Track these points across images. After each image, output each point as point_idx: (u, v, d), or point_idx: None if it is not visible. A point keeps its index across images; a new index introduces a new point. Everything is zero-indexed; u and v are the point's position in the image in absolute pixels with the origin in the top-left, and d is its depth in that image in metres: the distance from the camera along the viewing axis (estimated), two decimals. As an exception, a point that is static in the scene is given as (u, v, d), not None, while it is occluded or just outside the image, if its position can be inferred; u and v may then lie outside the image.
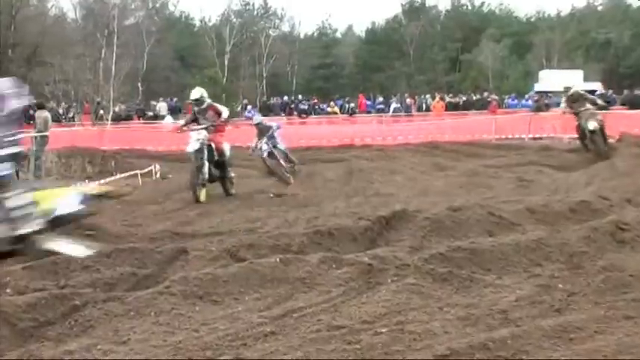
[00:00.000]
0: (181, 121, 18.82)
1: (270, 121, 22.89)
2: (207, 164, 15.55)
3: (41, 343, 5.50)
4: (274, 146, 20.24)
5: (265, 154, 20.03)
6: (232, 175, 16.58)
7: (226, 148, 16.23)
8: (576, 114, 21.47)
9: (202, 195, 15.37)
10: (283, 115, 42.86)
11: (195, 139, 15.64)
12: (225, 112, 16.40)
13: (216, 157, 15.86)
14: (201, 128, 15.70)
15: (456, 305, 6.08)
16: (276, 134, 20.63)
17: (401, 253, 7.81)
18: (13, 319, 5.70)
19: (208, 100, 16.55)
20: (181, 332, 5.55)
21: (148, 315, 5.94)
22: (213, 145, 15.81)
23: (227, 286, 6.60)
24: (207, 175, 15.56)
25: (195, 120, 16.36)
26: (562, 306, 6.07)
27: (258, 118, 22.37)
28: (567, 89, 22.66)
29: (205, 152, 15.58)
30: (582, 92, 22.41)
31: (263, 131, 20.54)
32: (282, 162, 20.10)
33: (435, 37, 72.75)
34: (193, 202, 15.04)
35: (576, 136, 22.35)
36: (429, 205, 11.55)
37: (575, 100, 21.72)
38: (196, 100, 16.40)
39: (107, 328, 5.72)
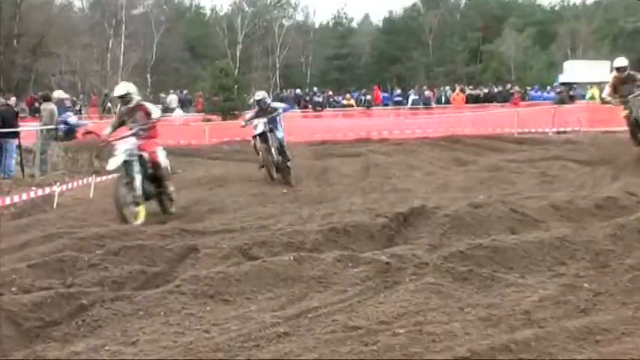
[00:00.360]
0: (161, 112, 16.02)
1: (278, 104, 20.38)
2: (139, 179, 12.88)
3: (47, 343, 5.53)
4: (271, 130, 18.24)
5: (258, 132, 18.14)
6: (172, 189, 13.76)
7: (161, 156, 13.66)
8: (624, 102, 18.27)
9: (139, 216, 12.65)
10: (297, 108, 42.81)
11: (122, 150, 12.87)
12: (155, 112, 13.89)
13: (149, 170, 13.24)
14: (130, 135, 13.11)
15: (477, 305, 6.07)
16: (279, 119, 18.79)
17: (419, 251, 7.80)
18: (18, 318, 5.73)
19: (137, 98, 13.74)
20: (192, 333, 5.56)
21: (157, 315, 5.96)
22: (145, 156, 13.17)
23: (239, 285, 6.61)
24: (140, 192, 12.84)
25: (122, 124, 13.74)
26: (588, 306, 6.06)
27: (260, 94, 19.72)
28: (620, 69, 18.63)
29: (136, 165, 12.90)
30: (634, 74, 18.63)
31: (265, 112, 18.61)
32: (272, 151, 18.07)
33: (454, 26, 72.57)
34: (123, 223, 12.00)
35: (606, 129, 21.39)
36: (449, 202, 11.52)
37: (624, 81, 18.40)
38: (122, 97, 13.66)
39: (115, 328, 5.74)
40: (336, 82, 65.56)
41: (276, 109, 18.78)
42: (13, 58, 51.26)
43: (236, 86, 40.20)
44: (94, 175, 17.58)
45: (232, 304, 6.28)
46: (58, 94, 28.04)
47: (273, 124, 18.39)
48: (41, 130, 22.07)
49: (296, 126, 33.06)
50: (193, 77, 56.42)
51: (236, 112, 36.09)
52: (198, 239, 9.00)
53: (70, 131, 25.41)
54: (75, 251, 7.99)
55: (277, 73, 67.17)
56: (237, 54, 64.76)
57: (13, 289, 6.60)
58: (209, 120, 35.30)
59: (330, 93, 46.84)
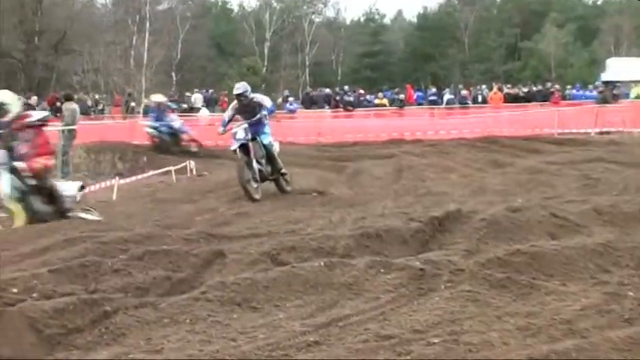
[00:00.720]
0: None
1: (264, 98, 16.80)
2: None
3: (69, 351, 5.55)
4: (254, 139, 15.83)
5: (236, 146, 15.75)
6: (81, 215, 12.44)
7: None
8: None
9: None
10: (328, 107, 42.79)
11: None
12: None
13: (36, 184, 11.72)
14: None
15: (516, 314, 6.04)
16: (266, 121, 16.27)
17: (455, 257, 7.77)
18: (39, 325, 5.76)
19: (15, 110, 11.67)
20: (218, 341, 5.57)
21: (182, 322, 5.98)
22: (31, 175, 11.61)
23: (267, 291, 6.62)
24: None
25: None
26: (632, 316, 6.00)
27: (240, 86, 16.35)
28: None
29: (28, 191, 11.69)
30: None
31: (246, 109, 16.15)
32: (254, 165, 15.64)
33: (491, 22, 72.38)
34: None
35: None
36: (486, 206, 11.47)
37: None
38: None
39: (139, 336, 5.76)
40: (368, 80, 65.57)
41: (259, 106, 16.08)
42: (34, 55, 51.74)
43: (264, 85, 40.34)
44: (117, 178, 17.70)
45: (260, 312, 6.29)
46: (157, 97, 28.20)
47: (256, 127, 15.94)
48: (63, 131, 22.22)
49: (326, 126, 33.17)
50: (220, 76, 56.67)
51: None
52: (224, 244, 9.02)
53: (174, 135, 25.45)
54: (98, 256, 8.03)
55: (307, 71, 67.27)
56: (265, 51, 65.01)
57: (34, 294, 6.63)
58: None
59: (362, 92, 46.80)
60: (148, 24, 48.23)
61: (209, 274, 7.52)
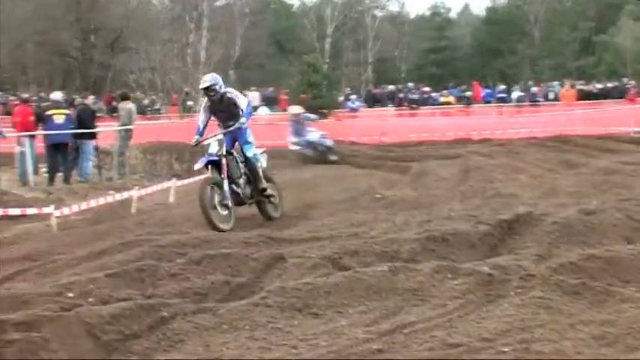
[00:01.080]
0: None
1: (238, 95, 13.68)
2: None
3: (126, 357, 5.62)
4: (229, 153, 13.24)
5: (201, 164, 13.09)
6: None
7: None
8: None
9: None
10: (391, 105, 42.74)
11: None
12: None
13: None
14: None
15: (590, 322, 5.97)
16: (246, 125, 13.47)
17: (525, 262, 7.72)
18: (96, 330, 5.84)
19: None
20: (278, 349, 5.60)
21: (242, 329, 6.02)
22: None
23: (329, 297, 6.63)
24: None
25: None
26: None
27: (208, 78, 13.43)
28: None
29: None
30: None
31: (220, 106, 13.38)
32: (225, 186, 12.90)
33: (564, 15, 71.53)
34: None
35: None
36: (558, 208, 11.36)
37: None
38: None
39: (197, 342, 5.81)
40: (433, 77, 65.25)
41: (235, 105, 13.32)
42: (90, 54, 52.48)
43: (325, 83, 40.34)
44: (174, 179, 17.85)
45: (321, 318, 6.30)
46: (294, 109, 25.79)
47: (235, 135, 13.47)
48: (119, 131, 22.48)
49: (390, 125, 33.08)
50: (279, 73, 56.86)
51: (325, 111, 36.08)
52: (284, 248, 9.06)
53: (315, 149, 23.97)
54: (155, 260, 8.13)
55: (369, 68, 67.20)
56: (327, 48, 65.02)
57: (91, 299, 6.74)
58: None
59: (427, 89, 46.67)
60: (205, 21, 48.53)
61: (269, 279, 7.57)
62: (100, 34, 52.89)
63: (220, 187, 12.73)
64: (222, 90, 13.24)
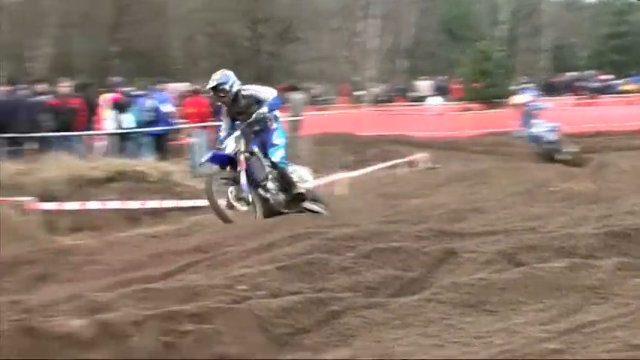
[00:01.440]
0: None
1: (258, 90, 12.54)
2: None
3: (297, 352, 5.71)
4: (252, 153, 12.01)
5: (207, 159, 12.31)
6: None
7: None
8: None
9: None
10: (568, 93, 41.86)
11: None
12: None
13: None
14: None
15: None
16: (277, 125, 12.56)
17: None
18: (267, 324, 5.96)
19: None
20: (451, 346, 5.57)
21: (413, 325, 6.01)
22: None
23: (503, 294, 6.56)
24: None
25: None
26: None
27: (217, 77, 12.05)
28: None
29: None
30: None
31: (235, 107, 12.09)
32: (243, 178, 11.80)
33: None
34: None
35: None
36: None
37: None
38: None
39: (368, 338, 5.84)
40: (614, 64, 63.43)
41: (257, 102, 12.07)
42: (259, 44, 53.45)
43: (502, 71, 39.84)
44: (342, 170, 18.02)
45: (495, 316, 6.24)
46: (517, 99, 24.64)
47: (261, 136, 12.21)
48: (289, 122, 22.82)
49: (568, 115, 32.39)
50: (451, 62, 56.49)
51: (499, 100, 35.60)
52: (456, 242, 8.99)
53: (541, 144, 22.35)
54: (324, 253, 8.21)
55: (546, 55, 65.92)
56: (501, 35, 64.12)
57: (262, 292, 6.87)
58: (469, 109, 35.20)
59: (605, 77, 45.41)
60: (374, 8, 48.64)
61: (440, 274, 7.53)
62: (269, 24, 53.76)
63: (236, 181, 11.68)
64: (235, 89, 11.94)
